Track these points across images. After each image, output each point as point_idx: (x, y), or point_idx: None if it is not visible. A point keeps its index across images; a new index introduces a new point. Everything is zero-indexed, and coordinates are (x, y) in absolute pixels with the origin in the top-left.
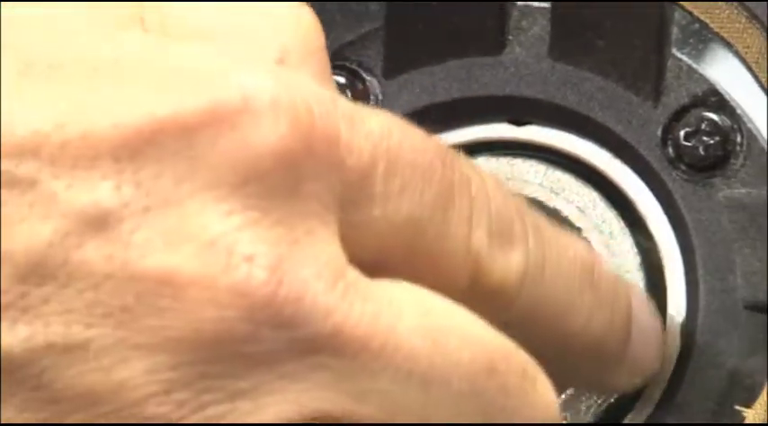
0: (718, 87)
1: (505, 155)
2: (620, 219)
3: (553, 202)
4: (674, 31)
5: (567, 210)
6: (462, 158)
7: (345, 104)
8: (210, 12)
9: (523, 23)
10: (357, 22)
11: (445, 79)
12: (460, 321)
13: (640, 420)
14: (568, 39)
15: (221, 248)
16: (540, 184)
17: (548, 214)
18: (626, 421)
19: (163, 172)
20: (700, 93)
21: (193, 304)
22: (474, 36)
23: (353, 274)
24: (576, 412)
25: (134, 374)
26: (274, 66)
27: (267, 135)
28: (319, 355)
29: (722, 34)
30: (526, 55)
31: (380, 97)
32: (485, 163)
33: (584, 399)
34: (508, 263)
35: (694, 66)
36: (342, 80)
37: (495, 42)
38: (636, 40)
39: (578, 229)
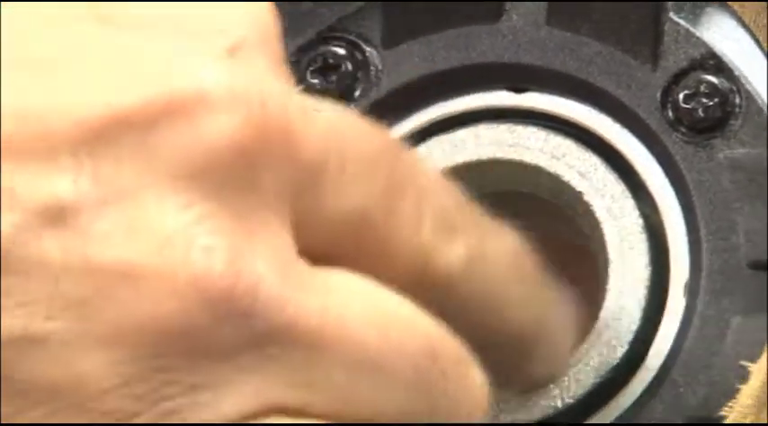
0: (715, 50)
1: (506, 121)
2: (622, 183)
3: (554, 168)
4: None
5: (569, 175)
6: (409, 152)
7: (298, 97)
8: (162, 3)
9: None
10: None
11: (444, 48)
12: (404, 310)
13: (649, 377)
14: (566, 5)
15: (180, 240)
16: (541, 150)
17: (549, 180)
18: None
19: (120, 165)
20: (698, 56)
21: (153, 296)
22: (472, 5)
23: (304, 266)
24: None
25: (94, 367)
26: (228, 57)
27: (223, 127)
28: (275, 347)
29: None
30: (524, 22)
31: (380, 67)
32: (486, 130)
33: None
34: (452, 255)
35: (692, 29)
36: (341, 52)
37: (492, 10)
38: (633, 5)
39: (579, 193)
